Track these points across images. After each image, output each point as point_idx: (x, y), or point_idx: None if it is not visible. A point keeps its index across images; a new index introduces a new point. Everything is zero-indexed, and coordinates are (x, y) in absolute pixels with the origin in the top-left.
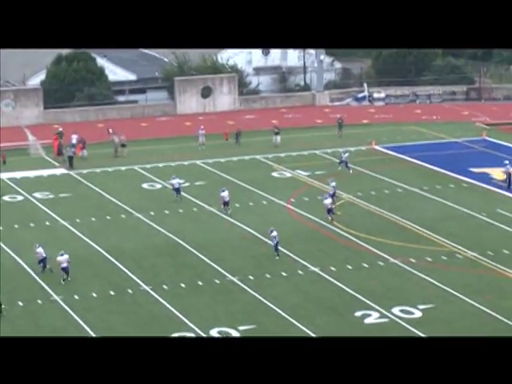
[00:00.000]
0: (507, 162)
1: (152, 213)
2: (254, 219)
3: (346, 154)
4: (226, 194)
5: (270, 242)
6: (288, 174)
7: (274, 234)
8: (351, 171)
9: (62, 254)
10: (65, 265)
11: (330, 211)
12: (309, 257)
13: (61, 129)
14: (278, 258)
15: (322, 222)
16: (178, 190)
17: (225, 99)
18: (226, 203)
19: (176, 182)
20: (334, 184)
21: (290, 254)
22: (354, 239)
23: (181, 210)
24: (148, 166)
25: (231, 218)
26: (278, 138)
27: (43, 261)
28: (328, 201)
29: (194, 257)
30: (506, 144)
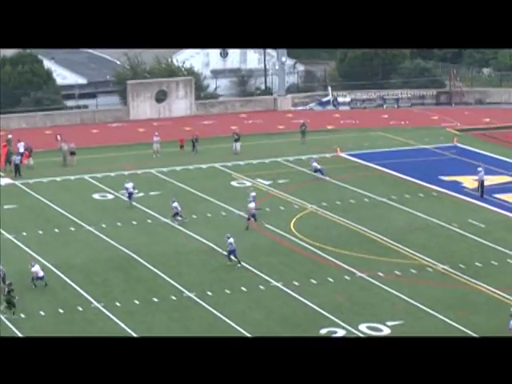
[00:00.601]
0: (480, 169)
1: (103, 225)
2: (212, 231)
3: (315, 163)
4: (176, 204)
5: (224, 252)
6: (248, 183)
7: (231, 240)
8: (328, 178)
9: (33, 265)
10: (41, 274)
11: (253, 216)
12: (271, 271)
13: (10, 135)
14: (239, 265)
15: (285, 234)
16: (130, 195)
17: (181, 104)
18: (177, 214)
19: (130, 185)
20: (253, 194)
21: (251, 268)
22: (319, 252)
23: (134, 222)
24: (99, 175)
25: (188, 229)
26: (238, 144)
27: (4, 277)
28: (252, 205)
29: (149, 271)
30: (478, 151)
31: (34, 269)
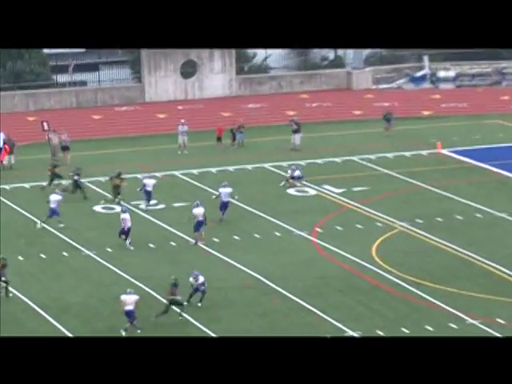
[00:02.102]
0: None
1: (109, 249)
2: (262, 258)
3: (298, 172)
4: (200, 211)
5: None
6: (312, 192)
7: (201, 279)
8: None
9: (129, 292)
10: (130, 307)
11: (199, 225)
12: (345, 315)
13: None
14: (200, 304)
15: (365, 263)
16: (148, 195)
17: (217, 80)
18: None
19: (151, 183)
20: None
21: (316, 311)
22: (412, 289)
23: (152, 245)
24: (102, 178)
25: (228, 256)
26: (298, 137)
27: None
28: (199, 210)
29: (174, 315)
30: None
31: (125, 296)
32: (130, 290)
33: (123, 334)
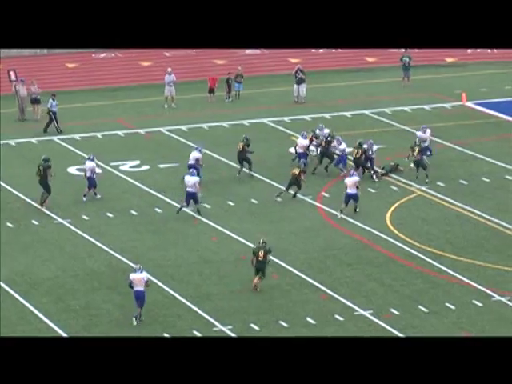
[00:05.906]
0: None
1: (85, 216)
2: (259, 227)
3: (375, 148)
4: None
5: None
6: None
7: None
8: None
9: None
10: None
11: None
12: (354, 290)
13: None
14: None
15: (378, 233)
16: None
17: None
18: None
19: None
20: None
21: (322, 287)
22: (431, 261)
23: (134, 212)
24: (77, 136)
25: (220, 224)
26: (303, 87)
27: None
28: (303, 142)
29: (158, 292)
30: None
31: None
32: (139, 266)
33: (134, 323)
